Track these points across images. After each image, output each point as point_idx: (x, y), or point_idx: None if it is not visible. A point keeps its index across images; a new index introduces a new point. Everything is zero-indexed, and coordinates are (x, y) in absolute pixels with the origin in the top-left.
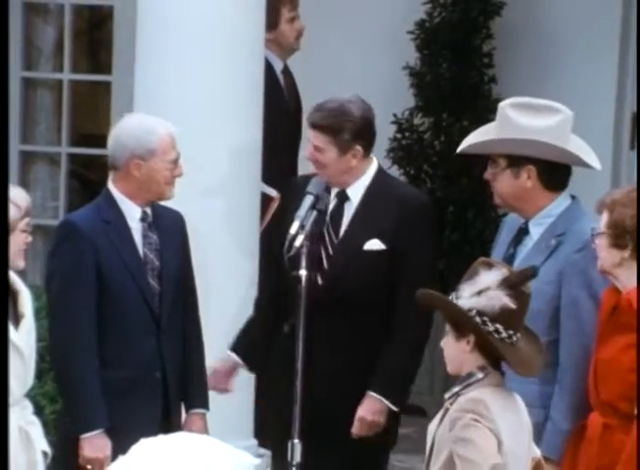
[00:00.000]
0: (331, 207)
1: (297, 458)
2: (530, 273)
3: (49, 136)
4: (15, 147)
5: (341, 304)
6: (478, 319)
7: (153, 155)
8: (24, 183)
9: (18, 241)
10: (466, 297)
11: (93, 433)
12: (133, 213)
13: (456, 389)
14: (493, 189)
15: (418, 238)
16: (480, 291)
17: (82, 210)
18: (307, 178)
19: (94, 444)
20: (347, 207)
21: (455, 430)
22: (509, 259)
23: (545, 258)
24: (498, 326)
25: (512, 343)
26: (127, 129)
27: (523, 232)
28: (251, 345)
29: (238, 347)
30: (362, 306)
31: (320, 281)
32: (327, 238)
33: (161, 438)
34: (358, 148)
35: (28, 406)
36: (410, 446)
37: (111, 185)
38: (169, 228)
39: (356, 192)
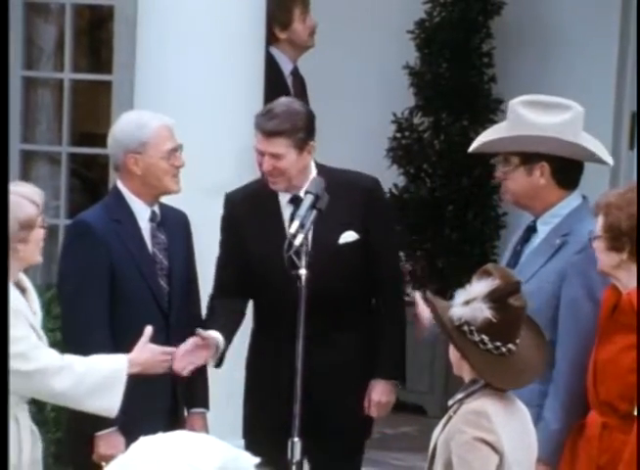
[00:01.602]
0: (288, 213)
1: (297, 457)
2: (514, 288)
3: (50, 135)
4: (15, 146)
5: (322, 300)
6: (465, 328)
7: (146, 147)
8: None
9: (37, 238)
10: (457, 304)
11: (108, 430)
12: (142, 213)
13: (459, 396)
14: (505, 188)
15: (385, 218)
16: (468, 301)
17: (93, 209)
18: (246, 190)
19: (109, 441)
20: None
21: (456, 442)
22: (516, 257)
23: (548, 257)
24: (484, 337)
25: (502, 354)
26: (121, 127)
27: (531, 230)
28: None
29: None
30: (343, 298)
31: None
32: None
33: (160, 436)
34: (312, 143)
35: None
36: (409, 444)
37: (119, 183)
38: (175, 228)
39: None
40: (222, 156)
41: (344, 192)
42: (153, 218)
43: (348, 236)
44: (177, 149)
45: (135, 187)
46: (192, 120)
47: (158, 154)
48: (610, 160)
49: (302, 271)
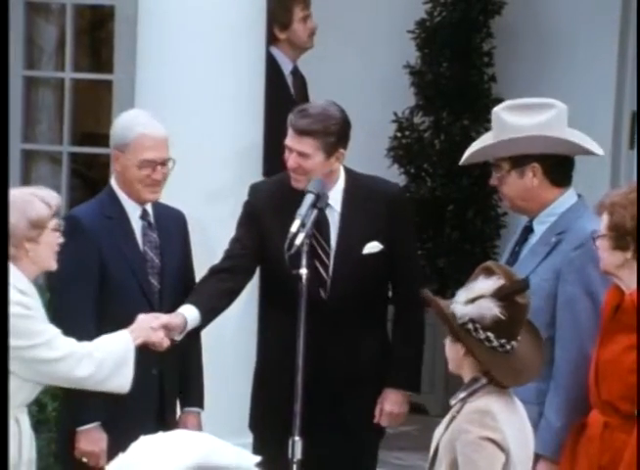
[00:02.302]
0: (313, 217)
1: (298, 455)
2: (522, 286)
3: (51, 135)
4: (16, 146)
5: (343, 305)
6: (470, 326)
7: (126, 149)
8: (26, 182)
9: (50, 241)
10: (461, 303)
11: (89, 426)
12: (133, 211)
13: (462, 395)
14: (501, 194)
15: (408, 229)
16: (474, 299)
17: (85, 205)
18: (273, 183)
19: (90, 437)
20: (330, 213)
21: (461, 442)
22: (514, 257)
23: (545, 255)
24: (489, 334)
25: (506, 351)
26: (121, 120)
27: (528, 230)
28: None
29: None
30: (364, 304)
31: (323, 295)
32: (319, 250)
33: (161, 435)
34: (342, 151)
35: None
36: (410, 443)
37: (112, 180)
38: (170, 227)
39: (335, 196)
40: (223, 156)
41: (370, 200)
42: (143, 217)
43: (373, 247)
44: (160, 162)
45: (120, 184)
46: (192, 120)
47: (133, 160)
48: (599, 150)
49: (303, 271)
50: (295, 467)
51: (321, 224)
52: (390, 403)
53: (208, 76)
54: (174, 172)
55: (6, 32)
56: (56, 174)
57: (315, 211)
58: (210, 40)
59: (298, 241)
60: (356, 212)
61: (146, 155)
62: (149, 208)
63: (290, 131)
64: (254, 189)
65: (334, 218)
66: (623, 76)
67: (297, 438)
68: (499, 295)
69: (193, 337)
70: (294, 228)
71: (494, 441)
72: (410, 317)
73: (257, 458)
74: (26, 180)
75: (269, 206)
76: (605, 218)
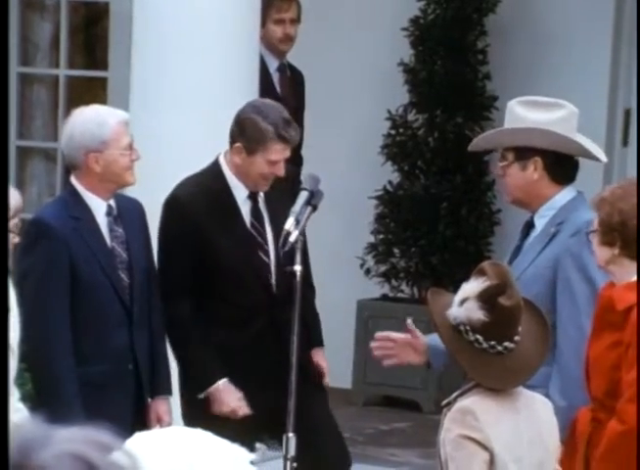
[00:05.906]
0: (248, 208)
1: (292, 452)
2: (502, 288)
3: (45, 132)
4: (11, 142)
5: (289, 289)
6: (462, 328)
7: (107, 146)
8: (21, 179)
9: None
10: (455, 304)
11: None
12: (99, 208)
13: (454, 395)
14: (503, 185)
15: None
16: (462, 301)
17: (50, 206)
18: (197, 187)
19: None
20: (259, 206)
21: (446, 443)
22: (516, 252)
23: (544, 245)
24: (478, 337)
25: (498, 352)
26: (79, 126)
27: (529, 226)
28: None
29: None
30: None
31: (271, 278)
32: (259, 238)
33: (156, 431)
34: None
35: (14, 393)
36: (403, 440)
37: (74, 181)
38: (132, 219)
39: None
40: (218, 153)
41: (276, 183)
42: (109, 212)
43: (290, 223)
44: (132, 142)
45: (93, 184)
46: (187, 117)
47: (118, 151)
48: (603, 157)
49: (297, 268)
50: (288, 464)
51: (257, 212)
52: (324, 360)
53: (204, 73)
54: (170, 171)
55: (5, 31)
56: (50, 171)
57: (309, 208)
58: (205, 37)
59: (293, 238)
60: (274, 195)
61: (126, 140)
62: (112, 202)
63: (281, 146)
64: (182, 197)
65: (262, 205)
66: (617, 74)
67: (290, 434)
68: (483, 297)
69: (157, 326)
70: (287, 226)
71: (474, 439)
72: (309, 290)
73: (253, 455)
74: (21, 177)
75: (203, 210)
76: (595, 214)
